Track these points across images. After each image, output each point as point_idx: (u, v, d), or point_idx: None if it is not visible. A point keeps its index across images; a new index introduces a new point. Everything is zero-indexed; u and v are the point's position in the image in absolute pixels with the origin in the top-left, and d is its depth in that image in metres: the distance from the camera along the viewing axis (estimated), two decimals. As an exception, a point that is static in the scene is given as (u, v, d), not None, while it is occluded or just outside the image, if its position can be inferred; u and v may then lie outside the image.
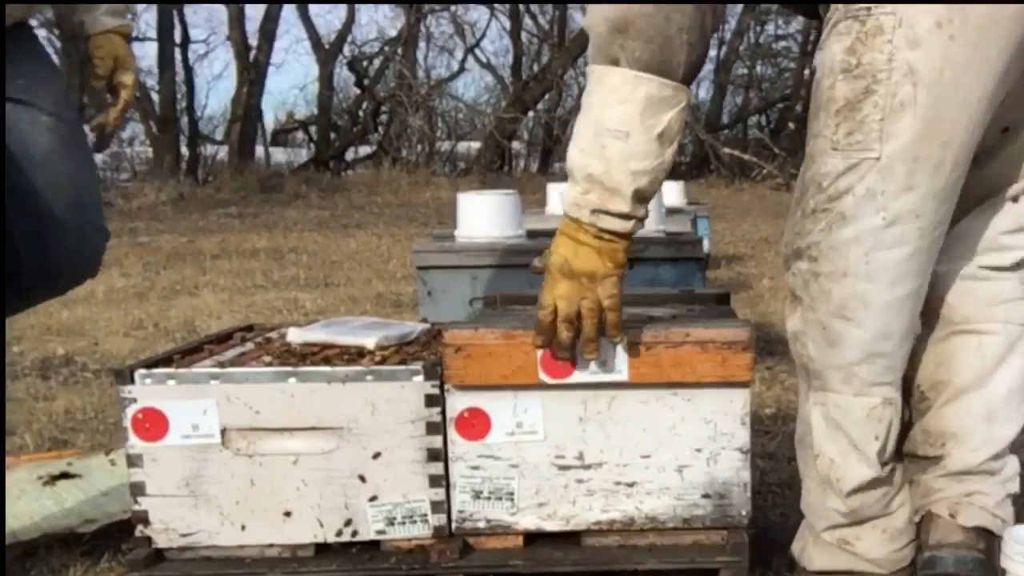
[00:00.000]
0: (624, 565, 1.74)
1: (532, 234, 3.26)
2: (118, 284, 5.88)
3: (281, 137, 20.34)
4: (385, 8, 19.33)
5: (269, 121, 20.14)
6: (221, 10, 17.27)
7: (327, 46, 18.40)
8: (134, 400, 1.70)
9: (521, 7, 18.96)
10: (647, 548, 1.75)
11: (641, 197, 1.62)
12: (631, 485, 1.73)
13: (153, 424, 1.70)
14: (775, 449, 2.68)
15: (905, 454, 1.78)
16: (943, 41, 1.48)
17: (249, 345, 1.95)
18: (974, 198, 1.69)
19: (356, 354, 1.83)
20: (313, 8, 18.20)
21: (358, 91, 18.75)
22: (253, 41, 16.77)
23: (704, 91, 19.40)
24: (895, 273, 1.57)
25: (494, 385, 1.69)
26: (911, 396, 1.80)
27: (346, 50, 18.78)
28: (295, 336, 1.91)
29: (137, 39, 17.96)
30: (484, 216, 3.16)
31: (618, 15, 1.55)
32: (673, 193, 5.79)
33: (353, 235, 8.86)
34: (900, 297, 1.59)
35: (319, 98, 18.54)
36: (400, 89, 17.39)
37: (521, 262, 3.01)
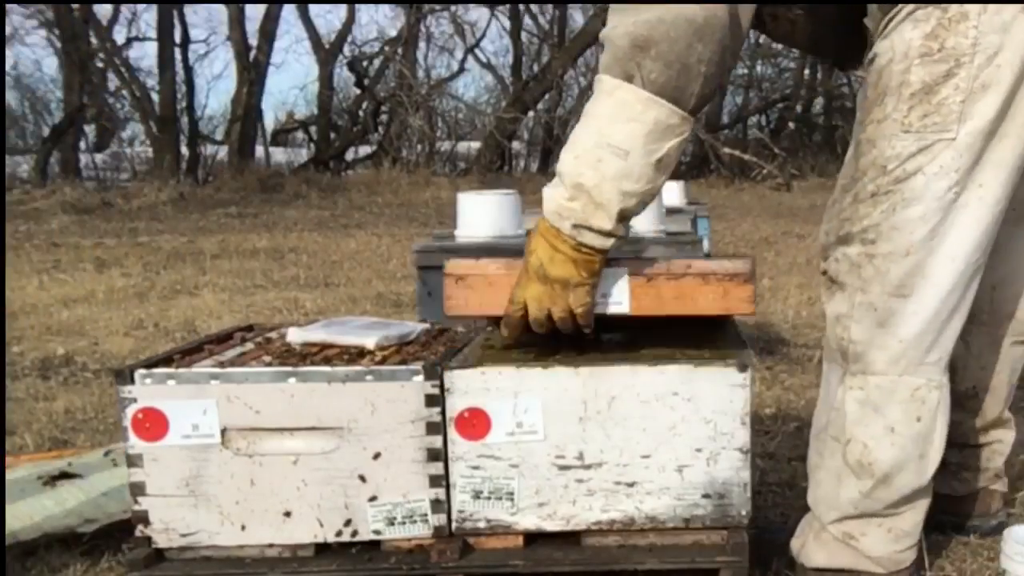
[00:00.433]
0: (624, 565, 1.74)
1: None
2: (118, 284, 5.88)
3: (281, 137, 20.34)
4: (385, 8, 19.37)
5: (269, 121, 20.15)
6: (221, 10, 17.29)
7: (327, 46, 18.41)
8: (134, 400, 1.70)
9: (521, 7, 18.96)
10: (647, 548, 1.75)
11: (624, 216, 1.64)
12: (631, 485, 1.73)
13: (153, 424, 1.70)
14: (775, 449, 2.68)
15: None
16: None
17: (249, 345, 1.95)
18: None
19: (356, 354, 1.82)
20: (313, 8, 18.22)
21: (358, 91, 18.74)
22: (253, 41, 16.77)
23: (704, 91, 19.37)
24: (959, 250, 1.63)
25: (494, 317, 1.68)
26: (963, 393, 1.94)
27: (346, 50, 18.78)
28: (295, 336, 1.91)
29: (137, 39, 18.03)
30: (484, 216, 3.16)
31: (642, 33, 1.55)
32: (673, 193, 5.78)
33: (353, 235, 8.86)
34: (961, 273, 1.64)
35: (319, 98, 18.54)
36: (400, 89, 17.38)
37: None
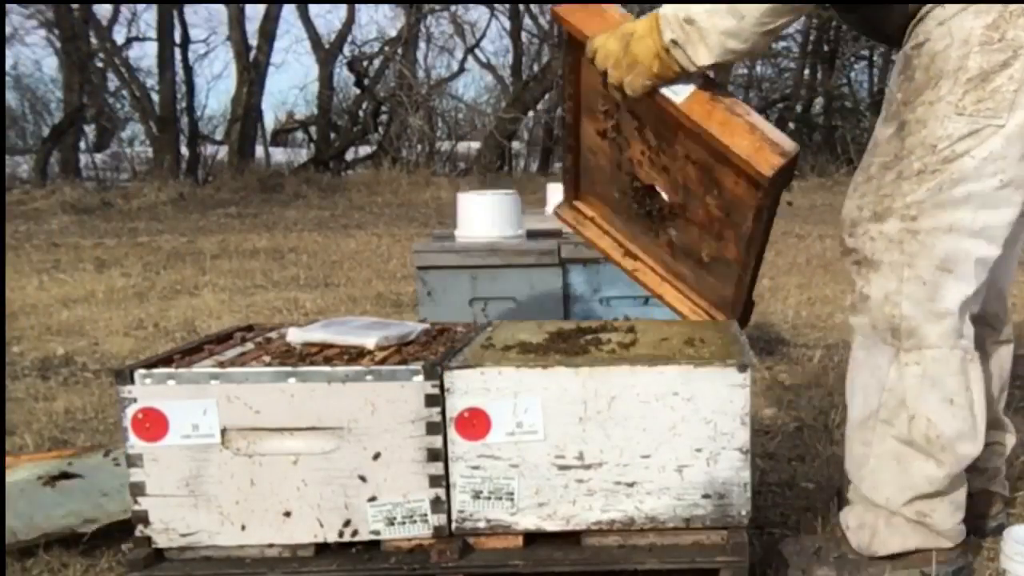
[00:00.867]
0: (624, 565, 1.74)
1: (532, 234, 3.26)
2: (118, 284, 5.88)
3: (281, 137, 20.34)
4: (385, 8, 19.35)
5: (269, 121, 20.15)
6: (221, 10, 17.28)
7: (327, 46, 18.40)
8: (134, 400, 1.70)
9: (521, 7, 18.95)
10: (647, 548, 1.75)
11: (715, 65, 1.76)
12: (631, 485, 1.73)
13: (153, 424, 1.70)
14: (775, 449, 2.68)
15: None
16: None
17: (249, 345, 1.95)
18: None
19: (356, 354, 1.82)
20: (313, 8, 18.21)
21: (358, 91, 18.74)
22: (253, 41, 16.77)
23: (704, 91, 19.37)
24: (996, 233, 1.72)
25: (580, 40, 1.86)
26: None
27: (346, 50, 18.78)
28: (295, 336, 1.91)
29: (137, 39, 18.03)
30: (484, 216, 3.17)
31: None
32: (673, 193, 5.80)
33: (353, 235, 8.86)
34: (992, 257, 1.73)
35: (319, 98, 18.54)
36: (400, 89, 17.38)
37: (521, 262, 3.01)
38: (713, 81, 1.83)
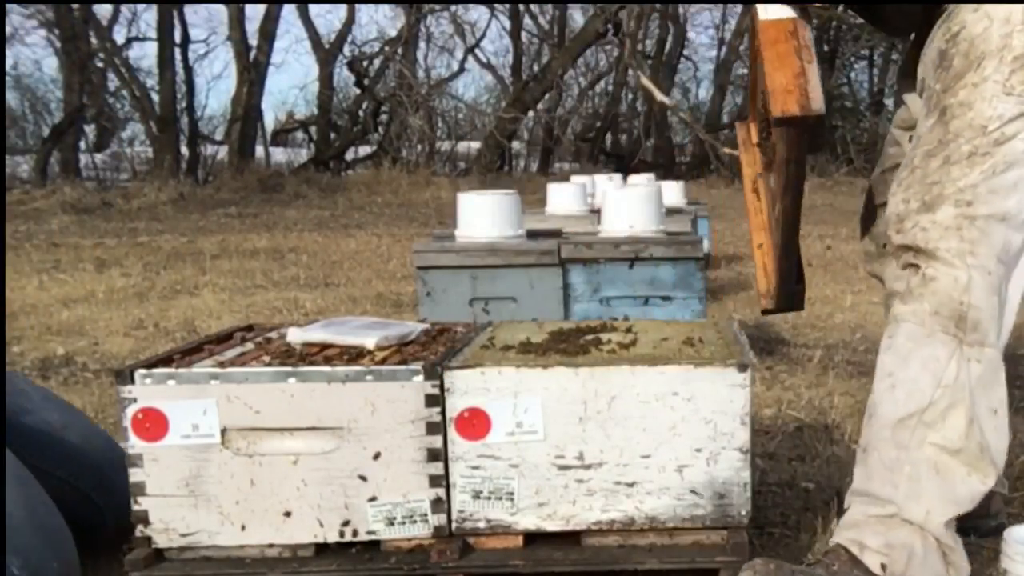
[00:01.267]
0: (624, 565, 1.74)
1: (532, 234, 3.26)
2: (118, 284, 5.88)
3: (281, 137, 20.35)
4: (385, 8, 19.36)
5: (269, 121, 20.17)
6: (221, 10, 17.29)
7: (327, 46, 18.41)
8: (134, 400, 1.70)
9: (521, 7, 18.96)
10: (647, 548, 1.75)
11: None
12: (631, 485, 1.73)
13: (153, 424, 1.70)
14: (775, 449, 2.68)
15: None
16: None
17: (249, 345, 1.95)
18: None
19: (356, 354, 1.82)
20: (313, 8, 18.23)
21: (358, 91, 18.76)
22: (253, 41, 16.78)
23: (704, 91, 19.43)
24: None
25: None
26: None
27: (346, 50, 18.79)
28: (295, 336, 1.91)
29: (137, 39, 18.04)
30: (484, 216, 3.16)
31: None
32: (673, 193, 5.80)
33: (353, 235, 8.86)
34: None
35: (319, 98, 18.56)
36: (400, 89, 17.38)
37: (521, 262, 3.01)
38: (805, 23, 1.74)
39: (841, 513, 1.79)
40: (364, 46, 19.01)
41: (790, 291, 2.08)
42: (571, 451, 1.72)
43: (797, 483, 2.44)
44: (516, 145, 19.48)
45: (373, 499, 1.72)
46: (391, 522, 1.73)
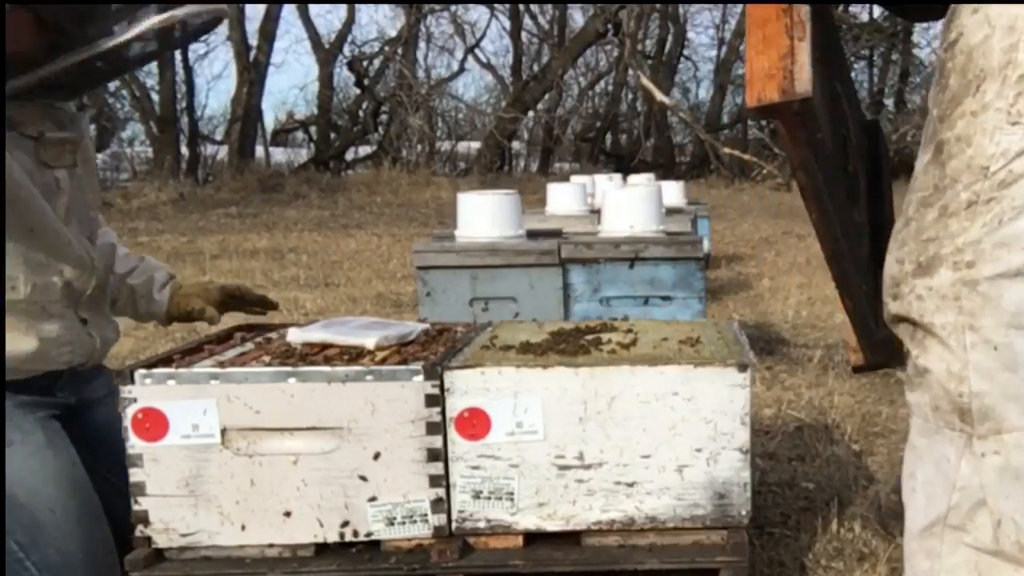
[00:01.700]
0: (624, 565, 1.73)
1: (532, 234, 3.26)
2: (118, 284, 5.87)
3: (281, 137, 20.36)
4: (385, 8, 19.37)
5: (269, 121, 20.18)
6: (221, 10, 17.25)
7: (327, 46, 18.42)
8: (134, 400, 1.70)
9: (521, 7, 18.97)
10: (647, 548, 1.75)
11: None
12: (631, 485, 1.73)
13: (153, 424, 1.70)
14: (775, 449, 2.68)
15: None
16: None
17: (249, 345, 1.95)
18: None
19: (356, 354, 1.82)
20: (313, 8, 18.24)
21: (358, 91, 18.77)
22: (253, 41, 16.79)
23: (704, 91, 19.42)
24: None
25: None
26: None
27: (346, 50, 18.81)
28: (295, 336, 1.91)
29: (137, 39, 17.98)
30: (484, 216, 3.16)
31: None
32: (673, 193, 5.80)
33: (353, 235, 8.86)
34: None
35: (319, 98, 18.57)
36: (400, 89, 17.40)
37: (521, 262, 3.01)
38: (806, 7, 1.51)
39: (841, 513, 1.75)
40: (364, 46, 19.05)
41: (871, 338, 1.74)
42: (571, 451, 1.72)
43: (797, 483, 2.44)
44: (516, 145, 19.49)
45: (373, 499, 1.72)
46: (391, 522, 1.73)
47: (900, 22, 18.62)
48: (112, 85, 17.66)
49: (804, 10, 1.49)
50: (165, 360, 1.80)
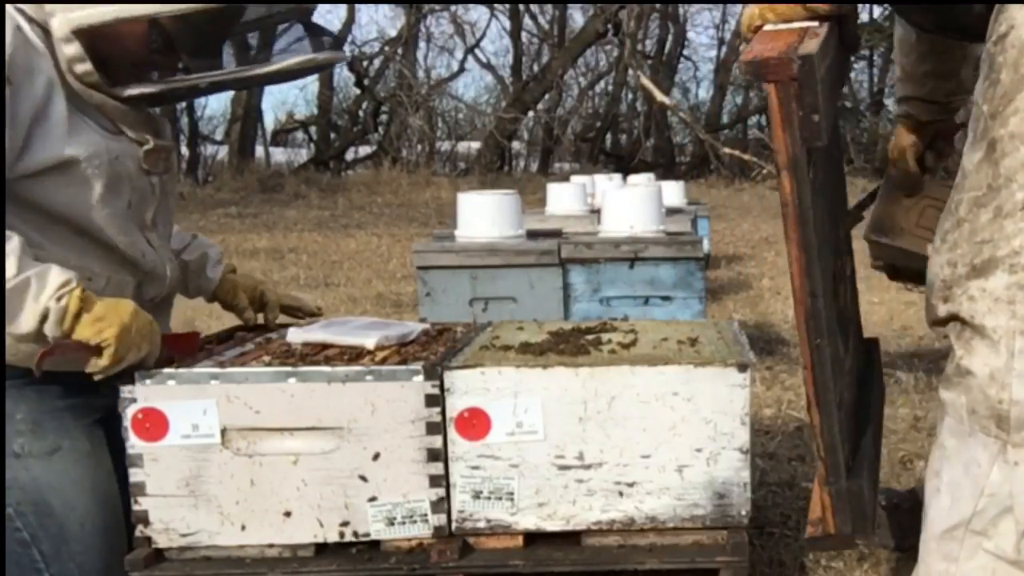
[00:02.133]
0: (624, 565, 1.73)
1: (532, 234, 3.26)
2: (118, 284, 5.87)
3: (281, 137, 20.36)
4: (385, 8, 19.33)
5: (269, 121, 20.20)
6: (221, 10, 17.25)
7: (327, 46, 18.38)
8: (134, 400, 1.70)
9: (521, 7, 18.97)
10: (647, 548, 1.75)
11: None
12: (631, 485, 1.73)
13: (153, 424, 1.70)
14: (775, 449, 2.68)
15: None
16: None
17: (249, 345, 1.95)
18: None
19: (356, 354, 1.83)
20: (313, 8, 18.19)
21: (358, 91, 18.77)
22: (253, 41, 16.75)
23: (704, 91, 19.42)
24: None
25: None
26: None
27: (346, 50, 18.77)
28: (295, 336, 1.91)
29: (137, 39, 18.00)
30: (484, 216, 3.17)
31: None
32: (673, 193, 5.80)
33: (353, 235, 8.87)
34: None
35: (319, 98, 18.57)
36: (400, 89, 17.41)
37: (521, 262, 3.02)
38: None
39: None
40: (364, 46, 19.05)
41: (840, 488, 1.52)
42: (571, 451, 1.72)
43: (797, 483, 2.45)
44: (516, 145, 19.49)
45: (373, 499, 1.72)
46: (391, 522, 1.73)
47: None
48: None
49: (823, 29, 1.43)
50: (165, 360, 1.80)
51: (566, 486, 1.73)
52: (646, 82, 14.51)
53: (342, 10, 18.37)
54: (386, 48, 18.47)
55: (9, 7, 1.63)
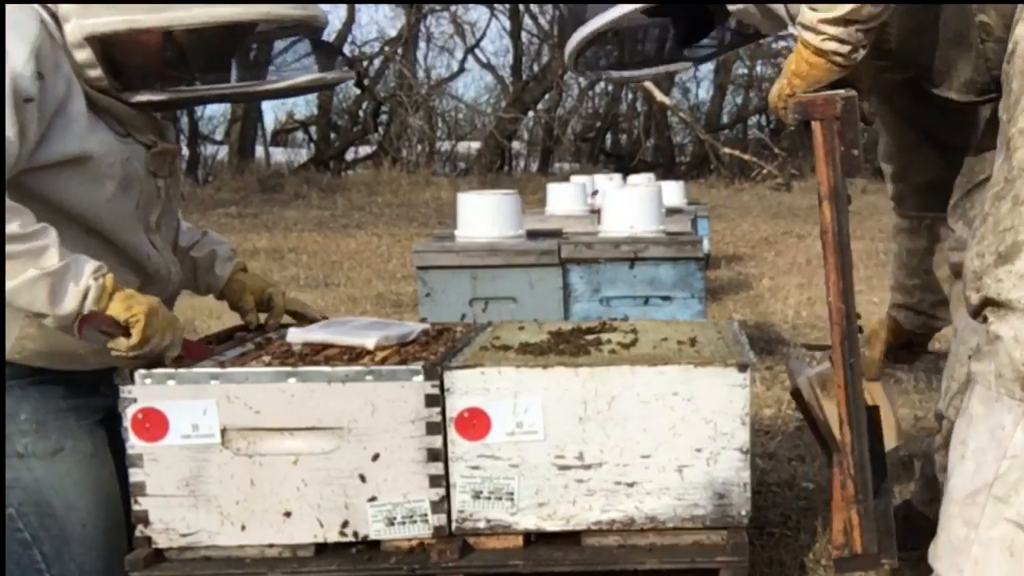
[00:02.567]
0: (624, 565, 1.74)
1: (532, 234, 3.26)
2: (118, 284, 5.87)
3: (281, 137, 20.36)
4: (385, 8, 19.32)
5: (269, 121, 20.19)
6: (221, 10, 17.25)
7: (327, 46, 18.38)
8: (134, 400, 1.70)
9: (521, 7, 18.96)
10: (647, 548, 1.75)
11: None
12: (631, 485, 1.73)
13: (153, 424, 1.70)
14: (775, 449, 2.68)
15: None
16: None
17: (249, 345, 1.95)
18: None
19: (356, 354, 1.82)
20: (313, 8, 18.19)
21: (358, 91, 18.76)
22: (253, 41, 16.75)
23: (704, 91, 19.43)
24: None
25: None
26: None
27: (346, 50, 18.77)
28: (295, 336, 1.91)
29: (137, 39, 18.00)
30: (484, 216, 3.16)
31: None
32: (673, 193, 5.80)
33: (353, 235, 8.87)
34: None
35: (319, 98, 18.55)
36: (400, 89, 17.40)
37: (521, 262, 3.01)
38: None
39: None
40: (364, 46, 19.02)
41: (868, 509, 1.59)
42: (571, 451, 1.72)
43: (797, 483, 2.45)
44: (516, 145, 19.49)
45: (373, 499, 1.72)
46: (391, 522, 1.73)
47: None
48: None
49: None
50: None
51: (566, 486, 1.73)
52: (646, 82, 14.50)
53: (342, 10, 18.37)
54: (386, 48, 18.46)
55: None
